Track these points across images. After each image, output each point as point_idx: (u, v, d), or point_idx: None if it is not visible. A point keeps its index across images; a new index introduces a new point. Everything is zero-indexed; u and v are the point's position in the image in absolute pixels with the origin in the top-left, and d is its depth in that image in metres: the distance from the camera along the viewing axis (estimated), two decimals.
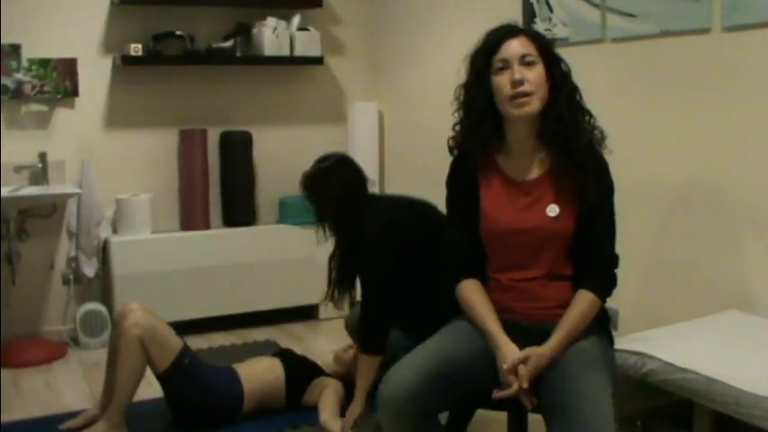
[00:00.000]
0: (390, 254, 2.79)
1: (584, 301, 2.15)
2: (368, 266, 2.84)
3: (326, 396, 3.08)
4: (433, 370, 2.05)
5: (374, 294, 2.81)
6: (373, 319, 2.81)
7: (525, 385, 2.05)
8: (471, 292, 2.25)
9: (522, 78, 2.13)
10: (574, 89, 2.23)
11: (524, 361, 2.07)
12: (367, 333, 2.84)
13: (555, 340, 2.10)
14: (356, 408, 2.87)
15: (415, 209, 2.94)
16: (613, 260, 2.23)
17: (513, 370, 2.07)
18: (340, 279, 3.02)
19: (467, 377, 2.11)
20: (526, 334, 2.15)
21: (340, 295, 3.04)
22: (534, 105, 2.15)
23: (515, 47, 2.16)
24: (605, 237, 2.21)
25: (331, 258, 3.03)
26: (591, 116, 2.24)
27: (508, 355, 2.09)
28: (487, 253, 2.28)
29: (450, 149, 2.34)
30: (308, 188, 2.99)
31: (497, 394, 2.07)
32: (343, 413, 2.95)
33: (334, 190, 2.94)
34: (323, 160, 3.01)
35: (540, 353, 2.08)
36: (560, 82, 2.19)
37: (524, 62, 2.15)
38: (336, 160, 3.01)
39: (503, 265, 2.25)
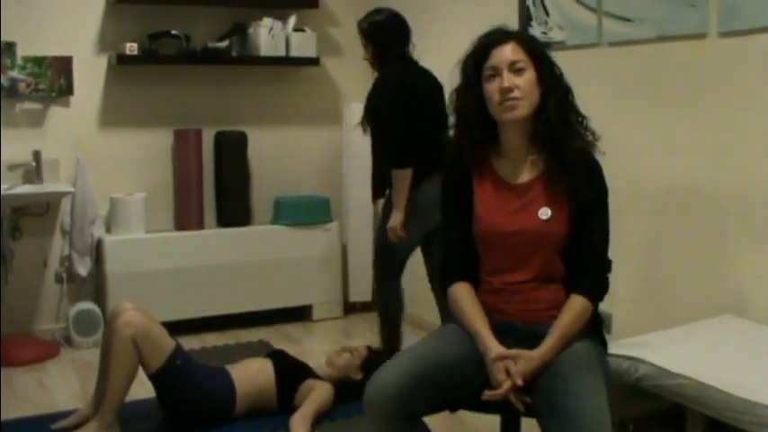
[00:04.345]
0: (402, 101, 3.42)
1: (576, 306, 2.14)
2: (384, 102, 3.47)
3: (309, 398, 3.08)
4: (416, 372, 2.04)
5: (392, 120, 3.41)
6: (397, 139, 3.38)
7: (519, 382, 2.02)
8: (462, 294, 2.25)
9: (510, 86, 2.12)
10: (566, 92, 2.21)
11: (514, 359, 2.06)
12: (395, 151, 3.40)
13: (546, 345, 2.08)
14: (396, 217, 3.42)
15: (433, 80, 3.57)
16: (606, 265, 2.21)
17: (501, 367, 2.05)
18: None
19: (454, 380, 2.09)
20: (517, 335, 2.14)
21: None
22: (523, 110, 2.15)
23: (505, 54, 2.15)
24: (598, 241, 2.19)
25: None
26: (584, 118, 2.23)
27: (495, 350, 2.09)
28: (480, 255, 2.28)
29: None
30: (362, 23, 3.63)
31: (488, 395, 2.05)
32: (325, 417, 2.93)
33: (382, 28, 3.57)
34: (377, 12, 3.65)
35: (530, 355, 2.06)
36: (551, 85, 2.18)
37: (514, 69, 2.14)
38: (393, 13, 3.63)
39: (495, 268, 2.25)
